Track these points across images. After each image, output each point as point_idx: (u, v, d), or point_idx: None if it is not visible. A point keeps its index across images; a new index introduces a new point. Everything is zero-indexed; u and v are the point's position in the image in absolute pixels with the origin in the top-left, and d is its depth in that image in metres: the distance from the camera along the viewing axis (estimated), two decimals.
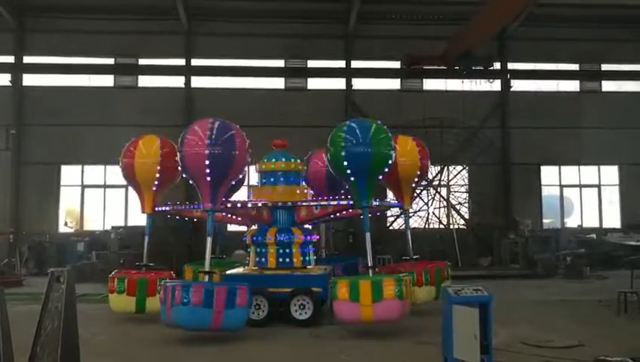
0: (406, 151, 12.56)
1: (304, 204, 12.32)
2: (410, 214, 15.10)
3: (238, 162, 10.48)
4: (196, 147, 10.18)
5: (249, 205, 12.46)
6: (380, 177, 10.86)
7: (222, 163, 10.19)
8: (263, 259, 12.08)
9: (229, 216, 13.00)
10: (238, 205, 12.44)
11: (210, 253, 10.52)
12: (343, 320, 10.11)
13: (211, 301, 9.37)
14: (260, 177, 12.94)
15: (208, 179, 10.20)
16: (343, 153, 10.41)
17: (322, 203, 12.35)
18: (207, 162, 10.05)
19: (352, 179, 10.60)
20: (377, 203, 12.71)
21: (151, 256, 12.81)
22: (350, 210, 12.10)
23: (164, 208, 12.53)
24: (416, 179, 12.98)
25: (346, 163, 10.39)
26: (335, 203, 12.07)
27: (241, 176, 12.53)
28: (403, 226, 22.57)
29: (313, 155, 14.21)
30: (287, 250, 12.01)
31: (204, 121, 10.53)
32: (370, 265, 10.50)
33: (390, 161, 10.72)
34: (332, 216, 12.96)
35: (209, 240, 10.39)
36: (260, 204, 12.29)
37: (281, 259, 11.99)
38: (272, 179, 12.59)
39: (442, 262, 13.64)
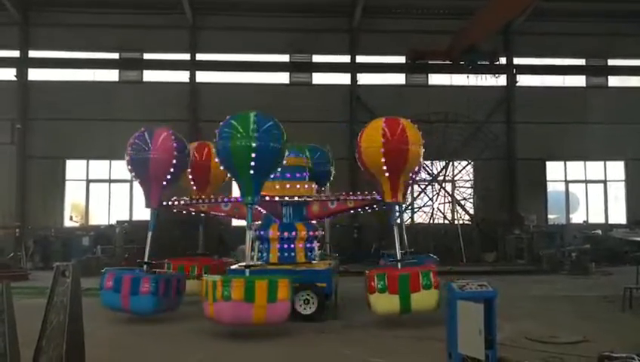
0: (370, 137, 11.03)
1: (331, 198, 12.30)
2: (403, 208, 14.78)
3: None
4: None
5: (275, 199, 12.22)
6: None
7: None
8: (265, 254, 12.10)
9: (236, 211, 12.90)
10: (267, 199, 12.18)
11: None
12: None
13: (119, 287, 10.78)
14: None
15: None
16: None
17: (349, 198, 12.16)
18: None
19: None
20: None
21: (156, 250, 12.80)
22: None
23: (179, 201, 12.44)
24: (384, 168, 10.78)
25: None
26: (358, 198, 11.97)
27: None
28: (408, 221, 22.77)
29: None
30: (292, 245, 12.01)
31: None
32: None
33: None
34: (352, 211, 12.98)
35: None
36: (286, 198, 12.16)
37: (286, 254, 12.00)
38: (277, 174, 12.55)
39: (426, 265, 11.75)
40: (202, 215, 13.75)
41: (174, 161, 11.53)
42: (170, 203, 12.44)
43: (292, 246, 12.01)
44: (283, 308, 9.53)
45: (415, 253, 14.17)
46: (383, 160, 10.57)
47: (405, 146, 10.63)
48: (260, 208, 12.35)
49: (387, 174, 10.75)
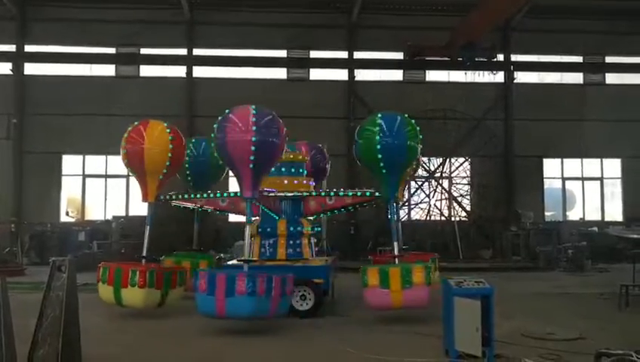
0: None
1: (329, 194, 12.20)
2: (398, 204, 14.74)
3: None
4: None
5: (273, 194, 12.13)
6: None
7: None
8: (271, 250, 12.04)
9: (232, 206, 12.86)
10: (271, 194, 12.04)
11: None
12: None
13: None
14: None
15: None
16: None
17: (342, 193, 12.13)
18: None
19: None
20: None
21: (152, 245, 12.78)
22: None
23: (172, 198, 12.40)
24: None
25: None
26: (355, 194, 11.96)
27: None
28: (405, 218, 22.78)
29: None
30: (298, 241, 12.00)
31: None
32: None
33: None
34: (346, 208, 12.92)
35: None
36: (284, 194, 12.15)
37: (291, 251, 11.99)
38: (274, 170, 12.53)
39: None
40: (200, 210, 13.67)
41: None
42: (167, 198, 12.38)
43: (299, 242, 12.04)
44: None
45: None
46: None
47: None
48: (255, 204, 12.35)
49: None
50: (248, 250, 10.54)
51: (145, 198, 11.82)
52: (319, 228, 12.66)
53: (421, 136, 10.93)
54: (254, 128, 9.89)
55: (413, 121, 10.97)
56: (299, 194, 12.10)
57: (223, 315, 9.47)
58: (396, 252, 10.81)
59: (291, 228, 11.90)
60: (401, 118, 10.91)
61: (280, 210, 12.32)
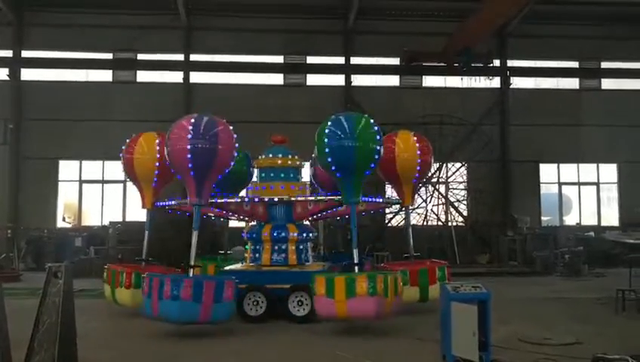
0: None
1: (299, 199, 12.24)
2: (410, 211, 14.87)
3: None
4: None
5: (246, 200, 12.37)
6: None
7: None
8: (257, 255, 12.13)
9: (229, 211, 12.91)
10: (237, 201, 12.34)
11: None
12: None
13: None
14: (258, 173, 12.94)
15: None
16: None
17: (313, 199, 12.39)
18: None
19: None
20: (377, 199, 12.83)
21: (150, 250, 12.85)
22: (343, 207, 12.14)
23: (166, 203, 12.49)
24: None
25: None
26: (327, 199, 12.01)
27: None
28: (402, 223, 22.76)
29: None
30: (283, 247, 12.01)
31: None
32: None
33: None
34: (328, 212, 12.89)
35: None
36: (256, 200, 12.23)
37: (275, 256, 11.99)
38: (271, 175, 12.59)
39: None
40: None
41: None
42: (163, 204, 12.47)
43: (285, 247, 12.09)
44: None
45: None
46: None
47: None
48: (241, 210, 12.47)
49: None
50: (194, 254, 10.55)
51: (143, 205, 12.26)
52: (311, 233, 12.52)
53: (379, 137, 10.58)
54: (189, 136, 10.17)
55: (370, 121, 10.70)
56: (234, 200, 12.16)
57: (157, 317, 9.83)
58: (356, 259, 10.53)
59: (274, 234, 11.93)
60: (352, 118, 10.75)
61: (265, 216, 12.37)
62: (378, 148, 10.57)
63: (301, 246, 12.24)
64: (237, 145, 10.86)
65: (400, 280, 10.42)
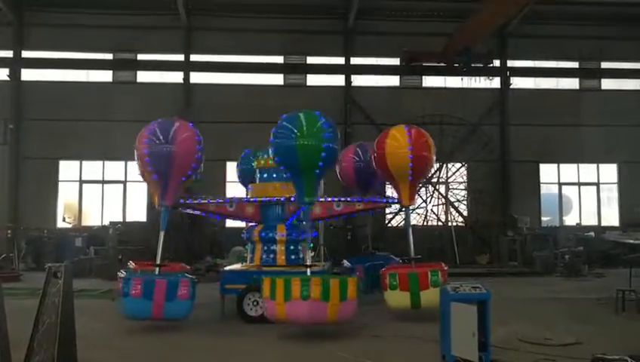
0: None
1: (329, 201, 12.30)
2: (410, 211, 14.81)
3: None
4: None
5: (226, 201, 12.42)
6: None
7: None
8: (251, 256, 12.12)
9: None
10: (217, 202, 12.30)
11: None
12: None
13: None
14: (258, 173, 12.93)
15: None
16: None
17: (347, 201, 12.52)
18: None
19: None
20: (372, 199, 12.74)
21: (150, 251, 12.90)
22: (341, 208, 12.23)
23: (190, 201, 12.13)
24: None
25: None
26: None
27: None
28: (402, 223, 22.76)
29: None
30: (273, 247, 11.99)
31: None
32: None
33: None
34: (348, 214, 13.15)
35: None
36: (244, 201, 12.36)
37: (265, 256, 11.99)
38: (272, 175, 12.59)
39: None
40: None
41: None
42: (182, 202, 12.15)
43: (299, 248, 12.15)
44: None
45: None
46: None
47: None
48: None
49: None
50: (160, 254, 10.86)
51: (163, 202, 11.70)
52: (303, 234, 12.44)
53: (328, 135, 10.21)
54: (146, 141, 10.43)
55: (319, 118, 10.51)
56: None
57: (123, 314, 10.38)
58: (308, 261, 10.47)
59: (262, 234, 11.96)
60: (296, 117, 10.59)
61: (257, 217, 12.36)
62: (326, 145, 10.11)
63: (292, 247, 12.15)
64: (199, 146, 10.82)
65: (354, 284, 9.80)
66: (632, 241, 16.16)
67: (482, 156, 24.06)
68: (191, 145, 10.71)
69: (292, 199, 11.69)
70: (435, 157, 12.05)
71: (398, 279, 10.99)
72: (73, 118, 22.88)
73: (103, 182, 23.56)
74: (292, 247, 12.11)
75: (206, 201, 12.06)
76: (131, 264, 12.33)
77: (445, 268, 11.64)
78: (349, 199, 12.65)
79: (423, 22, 24.09)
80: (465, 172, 24.52)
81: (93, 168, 23.61)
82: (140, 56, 24.12)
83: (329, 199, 12.33)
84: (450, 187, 24.52)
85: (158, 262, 10.78)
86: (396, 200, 12.41)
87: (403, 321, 10.52)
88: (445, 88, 24.66)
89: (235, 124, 22.35)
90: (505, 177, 24.43)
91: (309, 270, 10.14)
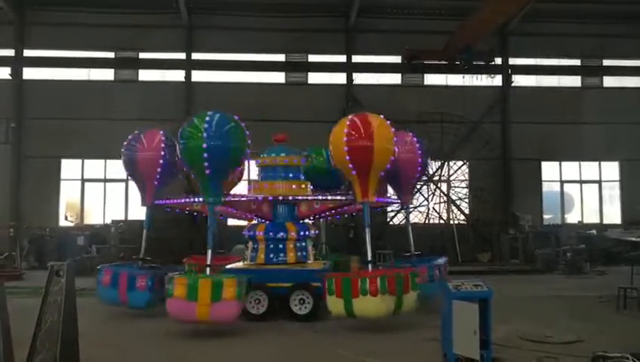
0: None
1: (308, 199, 12.37)
2: (410, 209, 14.82)
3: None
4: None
5: (258, 198, 12.37)
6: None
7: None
8: (254, 254, 12.20)
9: (232, 210, 12.93)
10: (243, 199, 12.41)
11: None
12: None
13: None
14: (260, 171, 12.95)
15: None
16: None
17: (321, 198, 12.45)
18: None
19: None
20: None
21: (152, 249, 12.93)
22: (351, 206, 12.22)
23: (166, 201, 12.51)
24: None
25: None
26: (338, 198, 12.23)
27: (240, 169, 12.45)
28: (404, 221, 22.75)
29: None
30: (281, 246, 12.04)
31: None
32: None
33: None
34: (332, 211, 12.95)
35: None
36: (260, 198, 12.29)
37: (272, 255, 12.02)
38: (272, 174, 12.61)
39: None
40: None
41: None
42: (164, 201, 12.48)
43: (283, 246, 12.19)
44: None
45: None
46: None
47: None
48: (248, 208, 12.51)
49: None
50: (143, 248, 12.23)
51: (143, 202, 12.43)
52: (308, 232, 12.48)
53: (207, 134, 10.32)
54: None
55: (224, 119, 10.62)
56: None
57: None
58: (208, 261, 10.55)
59: (270, 233, 12.04)
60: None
61: (270, 214, 12.43)
62: (206, 145, 10.27)
63: (299, 245, 12.20)
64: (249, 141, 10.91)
65: (231, 285, 9.95)
66: (633, 239, 16.18)
67: (484, 154, 24.04)
68: (153, 152, 11.95)
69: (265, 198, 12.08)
70: (395, 147, 10.94)
71: (334, 284, 10.20)
72: (75, 117, 22.89)
73: (105, 180, 23.57)
74: (272, 246, 12.12)
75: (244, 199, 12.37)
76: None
77: (418, 273, 10.81)
78: (320, 197, 12.56)
79: (425, 20, 24.05)
80: (466, 170, 24.50)
81: (95, 167, 23.60)
82: (142, 55, 24.11)
83: (311, 198, 12.45)
84: (452, 185, 24.50)
85: (141, 256, 11.85)
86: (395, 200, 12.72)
87: (403, 319, 10.53)
88: (447, 86, 24.64)
89: None
90: (506, 175, 24.41)
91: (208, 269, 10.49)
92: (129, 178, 12.22)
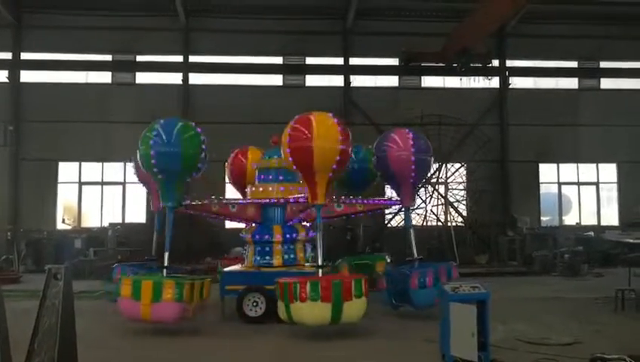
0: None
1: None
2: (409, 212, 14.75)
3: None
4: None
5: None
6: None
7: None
8: (267, 257, 12.09)
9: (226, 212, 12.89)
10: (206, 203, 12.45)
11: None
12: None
13: None
14: (258, 174, 12.94)
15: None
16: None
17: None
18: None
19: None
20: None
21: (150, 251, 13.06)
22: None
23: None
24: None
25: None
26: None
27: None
28: (402, 223, 22.75)
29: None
30: (267, 248, 12.03)
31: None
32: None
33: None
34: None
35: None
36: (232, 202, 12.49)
37: (259, 257, 12.04)
38: (270, 176, 12.60)
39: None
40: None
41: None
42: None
43: (293, 248, 12.19)
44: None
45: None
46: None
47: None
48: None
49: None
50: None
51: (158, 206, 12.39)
52: (295, 234, 12.43)
53: (169, 143, 10.55)
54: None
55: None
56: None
57: None
58: (166, 262, 10.95)
59: (257, 236, 12.02)
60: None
61: (259, 217, 12.40)
62: (182, 151, 10.58)
63: (286, 247, 12.13)
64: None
65: (208, 285, 10.82)
66: (631, 241, 16.22)
67: (481, 156, 24.07)
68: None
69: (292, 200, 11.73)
70: (342, 146, 10.36)
71: (279, 288, 9.86)
72: (72, 120, 22.87)
73: (103, 183, 23.55)
74: (259, 248, 12.13)
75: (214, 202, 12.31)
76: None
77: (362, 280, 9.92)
78: (348, 200, 12.59)
79: (422, 22, 24.08)
80: (464, 172, 24.52)
81: (92, 170, 23.58)
82: (139, 58, 24.11)
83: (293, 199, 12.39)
84: (450, 187, 24.51)
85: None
86: (396, 202, 12.55)
87: (400, 321, 10.53)
88: (444, 88, 24.67)
89: (234, 125, 22.28)
90: (504, 177, 24.43)
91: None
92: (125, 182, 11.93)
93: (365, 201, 12.67)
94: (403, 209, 12.92)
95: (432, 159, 12.34)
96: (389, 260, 13.99)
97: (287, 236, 12.04)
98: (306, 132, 10.22)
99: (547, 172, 25.12)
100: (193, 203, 12.11)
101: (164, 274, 10.70)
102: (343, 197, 12.55)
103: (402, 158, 11.74)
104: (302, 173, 10.46)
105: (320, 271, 10.03)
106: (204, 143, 10.90)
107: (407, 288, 10.92)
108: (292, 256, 12.20)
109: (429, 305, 10.75)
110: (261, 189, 12.54)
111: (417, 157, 11.72)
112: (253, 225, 12.81)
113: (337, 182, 13.46)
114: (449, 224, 23.74)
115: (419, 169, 11.84)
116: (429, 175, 20.15)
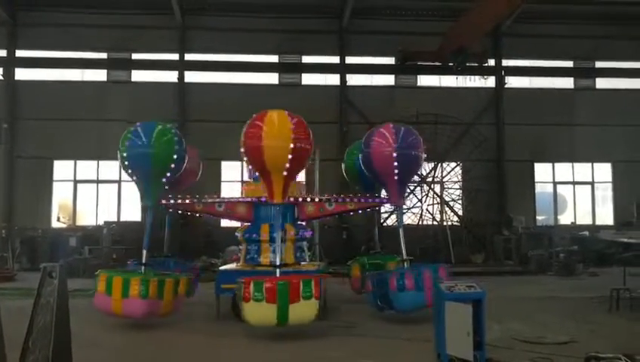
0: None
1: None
2: (403, 211, 14.73)
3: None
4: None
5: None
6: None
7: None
8: (255, 256, 12.05)
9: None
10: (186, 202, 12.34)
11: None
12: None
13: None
14: (252, 172, 12.88)
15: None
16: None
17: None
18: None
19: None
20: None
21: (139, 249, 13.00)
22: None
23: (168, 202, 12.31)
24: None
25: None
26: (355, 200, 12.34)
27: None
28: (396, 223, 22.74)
29: None
30: (255, 247, 11.95)
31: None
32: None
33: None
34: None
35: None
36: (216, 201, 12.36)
37: (248, 256, 11.96)
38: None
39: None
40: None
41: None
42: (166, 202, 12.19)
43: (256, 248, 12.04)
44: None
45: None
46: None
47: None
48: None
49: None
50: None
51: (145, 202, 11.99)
52: (311, 233, 12.48)
53: (142, 145, 10.76)
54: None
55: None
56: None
57: None
58: (144, 259, 11.05)
59: (246, 235, 11.92)
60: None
61: (250, 216, 12.31)
62: (155, 152, 10.83)
63: (249, 247, 12.01)
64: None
65: (183, 283, 11.03)
66: (626, 240, 16.23)
67: (477, 155, 24.11)
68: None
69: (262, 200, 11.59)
70: (293, 145, 10.33)
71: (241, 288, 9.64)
72: (68, 118, 22.82)
73: (98, 181, 23.50)
74: (248, 247, 12.06)
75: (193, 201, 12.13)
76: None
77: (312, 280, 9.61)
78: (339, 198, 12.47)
79: (418, 21, 24.12)
80: (460, 171, 24.54)
81: (87, 168, 23.53)
82: (135, 56, 24.07)
83: (318, 198, 12.32)
84: (446, 186, 24.53)
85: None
86: (387, 200, 12.39)
87: (397, 321, 10.52)
88: (440, 87, 24.72)
89: (229, 124, 22.14)
90: (500, 176, 24.48)
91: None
92: (121, 180, 11.91)
93: (356, 200, 12.45)
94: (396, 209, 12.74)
95: (423, 156, 11.79)
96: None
97: (275, 235, 11.95)
98: (258, 131, 10.38)
99: (542, 171, 25.19)
100: (178, 201, 12.00)
101: (143, 270, 10.89)
102: (334, 195, 12.42)
103: (385, 154, 11.36)
104: (257, 172, 10.88)
105: (278, 271, 9.97)
106: (178, 145, 11.11)
107: (387, 290, 10.74)
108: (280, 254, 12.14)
109: (410, 308, 10.53)
110: (252, 188, 12.51)
111: (400, 153, 11.22)
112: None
113: (351, 181, 13.59)
114: (445, 223, 23.76)
115: (402, 165, 11.28)
116: (419, 172, 20.14)
